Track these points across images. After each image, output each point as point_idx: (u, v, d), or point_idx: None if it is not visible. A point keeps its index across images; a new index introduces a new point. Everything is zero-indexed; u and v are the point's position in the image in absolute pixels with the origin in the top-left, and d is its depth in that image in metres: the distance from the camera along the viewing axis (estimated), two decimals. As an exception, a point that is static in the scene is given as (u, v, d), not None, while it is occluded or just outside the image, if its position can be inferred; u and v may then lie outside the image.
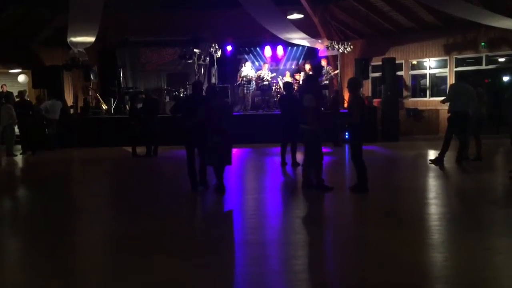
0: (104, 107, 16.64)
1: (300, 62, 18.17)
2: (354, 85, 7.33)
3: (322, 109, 8.97)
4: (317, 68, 9.77)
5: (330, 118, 12.46)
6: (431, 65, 17.30)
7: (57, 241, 5.32)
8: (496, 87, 15.98)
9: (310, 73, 15.72)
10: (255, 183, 9.12)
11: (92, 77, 16.55)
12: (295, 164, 9.97)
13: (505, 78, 16.23)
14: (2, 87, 16.40)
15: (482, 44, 15.83)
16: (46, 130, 14.46)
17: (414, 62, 17.69)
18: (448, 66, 16.71)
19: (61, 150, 14.30)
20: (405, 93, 17.57)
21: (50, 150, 14.07)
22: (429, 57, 17.17)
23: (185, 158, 7.69)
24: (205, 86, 10.05)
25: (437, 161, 9.77)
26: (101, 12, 13.21)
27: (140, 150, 12.61)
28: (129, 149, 12.90)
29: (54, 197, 8.00)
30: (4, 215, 6.90)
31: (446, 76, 16.83)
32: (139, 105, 13.41)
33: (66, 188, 9.04)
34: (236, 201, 7.36)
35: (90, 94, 17.09)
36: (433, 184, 8.39)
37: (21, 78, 17.31)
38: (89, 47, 15.56)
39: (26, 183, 9.91)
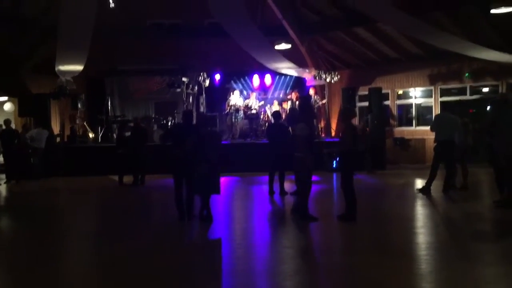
0: (91, 136, 16.54)
1: (288, 91, 18.33)
2: (347, 115, 7.42)
3: (315, 139, 8.97)
4: (305, 98, 9.88)
5: (320, 147, 12.53)
6: (416, 95, 17.55)
7: (40, 271, 5.18)
8: (480, 117, 16.22)
9: (297, 102, 15.90)
10: (242, 212, 9.05)
11: (79, 105, 16.50)
12: (283, 192, 9.93)
13: (488, 109, 16.50)
14: (-13, 115, 16.28)
15: (466, 74, 16.16)
16: (32, 159, 14.27)
17: (400, 91, 17.95)
18: (433, 96, 16.97)
19: (46, 179, 14.08)
20: (391, 122, 17.76)
21: (35, 180, 13.86)
22: (414, 86, 17.45)
23: (173, 187, 7.63)
24: (193, 115, 10.08)
25: (424, 190, 9.81)
26: (89, 40, 13.27)
27: (128, 179, 12.49)
28: (116, 178, 12.77)
29: (38, 227, 7.83)
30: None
31: (431, 106, 17.07)
32: (127, 134, 13.35)
33: (50, 219, 8.86)
34: (223, 230, 7.27)
35: (77, 122, 17.00)
36: (420, 213, 8.40)
37: (7, 106, 17.20)
38: (77, 75, 15.57)
39: (9, 213, 9.72)
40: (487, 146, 8.66)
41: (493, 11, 12.58)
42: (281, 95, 18.29)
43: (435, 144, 9.96)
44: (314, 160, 7.40)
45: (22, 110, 15.52)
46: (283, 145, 9.97)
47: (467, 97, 16.38)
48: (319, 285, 4.78)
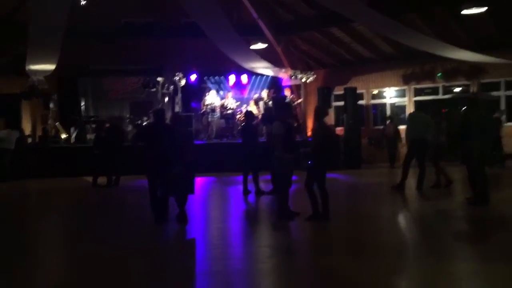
0: (63, 136, 16.22)
1: (264, 91, 18.30)
2: (319, 113, 7.42)
3: (297, 137, 8.88)
4: (280, 97, 9.89)
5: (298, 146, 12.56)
6: (390, 95, 17.77)
7: (9, 276, 5.04)
8: (452, 117, 16.50)
9: (269, 101, 15.92)
10: (218, 212, 8.99)
11: (51, 105, 16.16)
12: (258, 192, 9.92)
13: (460, 108, 16.81)
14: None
15: (439, 74, 16.45)
16: (1, 160, 13.89)
17: (375, 91, 18.15)
18: (407, 96, 17.21)
19: (16, 181, 13.72)
20: (367, 121, 17.94)
21: (5, 181, 13.48)
22: (389, 86, 17.67)
23: (147, 188, 7.52)
24: (168, 114, 9.96)
25: (398, 188, 9.93)
26: (61, 39, 13.00)
27: (101, 180, 12.28)
28: (89, 179, 12.54)
29: (7, 230, 7.63)
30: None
31: (405, 105, 17.31)
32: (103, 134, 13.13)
33: (21, 221, 8.64)
34: (199, 230, 7.21)
35: (49, 123, 16.65)
36: (394, 210, 8.48)
37: (-23, 106, 16.73)
38: (48, 74, 15.25)
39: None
40: (459, 145, 8.80)
41: (464, 11, 12.83)
42: (257, 95, 18.27)
43: (407, 142, 10.12)
44: (294, 159, 7.37)
45: (-8, 110, 15.12)
46: (256, 145, 9.99)
47: (440, 96, 16.68)
48: (296, 284, 4.76)
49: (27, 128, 16.47)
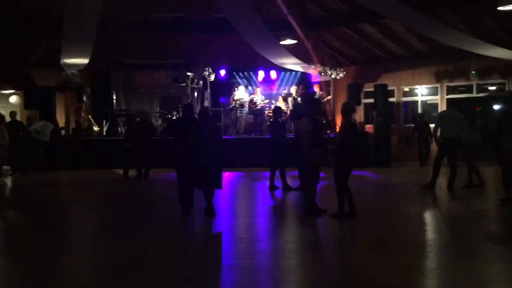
0: (95, 129, 16.56)
1: (292, 87, 18.23)
2: (346, 110, 7.36)
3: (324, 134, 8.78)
4: (309, 93, 9.84)
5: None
6: (422, 92, 17.46)
7: (44, 264, 5.19)
8: (487, 115, 16.12)
9: (298, 97, 15.86)
10: (245, 207, 9.04)
11: (84, 98, 16.52)
12: (286, 188, 9.91)
13: (495, 106, 16.40)
14: (-6, 107, 16.32)
15: (473, 72, 16.05)
16: (37, 151, 14.29)
17: (406, 89, 17.86)
18: (439, 94, 16.88)
19: (51, 172, 14.11)
20: (397, 119, 17.67)
21: (40, 172, 13.89)
22: (420, 84, 17.36)
23: (176, 181, 7.62)
24: (198, 109, 10.04)
25: (429, 187, 9.77)
26: (95, 33, 13.26)
27: (132, 172, 12.50)
28: (120, 171, 12.77)
29: (43, 219, 7.85)
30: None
31: (437, 103, 16.98)
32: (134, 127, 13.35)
33: (55, 211, 8.88)
34: (225, 224, 7.27)
35: (82, 115, 17.02)
36: (424, 210, 8.35)
37: (13, 99, 17.24)
38: (82, 68, 15.57)
39: (15, 205, 9.74)
40: (494, 144, 8.58)
41: (500, 8, 12.48)
42: (286, 91, 18.22)
43: (435, 142, 9.94)
44: (322, 155, 7.33)
45: (27, 102, 15.56)
46: (284, 141, 9.98)
47: (474, 94, 16.28)
48: (321, 280, 4.75)
49: (61, 120, 16.89)
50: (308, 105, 8.17)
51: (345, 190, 7.07)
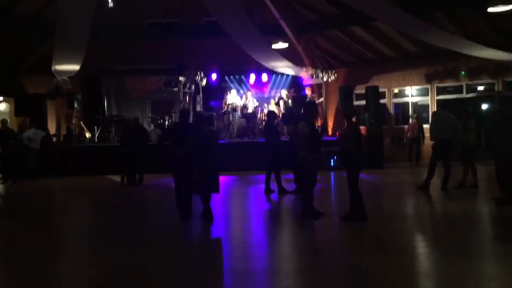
0: (87, 135, 16.46)
1: (283, 90, 18.27)
2: (350, 112, 7.44)
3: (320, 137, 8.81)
4: (302, 96, 9.87)
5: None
6: (413, 93, 17.60)
7: (39, 273, 5.15)
8: (476, 115, 16.27)
9: (289, 100, 15.90)
10: (242, 211, 9.03)
11: (75, 105, 16.43)
12: (281, 191, 9.92)
13: (484, 106, 16.59)
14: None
15: (462, 73, 16.21)
16: (29, 159, 14.16)
17: (396, 90, 17.98)
18: (429, 94, 17.02)
19: (43, 179, 13.99)
20: (388, 120, 17.78)
21: (32, 180, 13.76)
22: (411, 85, 17.49)
23: (172, 187, 7.59)
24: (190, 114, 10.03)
25: (423, 188, 9.82)
26: (87, 40, 13.21)
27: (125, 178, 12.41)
28: (113, 178, 12.69)
29: (36, 227, 7.78)
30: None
31: (427, 104, 17.12)
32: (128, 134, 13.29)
33: (50, 219, 8.80)
34: (223, 229, 7.25)
35: (74, 122, 16.92)
36: (420, 211, 8.40)
37: (2, 106, 17.10)
38: (73, 75, 15.49)
39: (7, 213, 9.65)
40: (489, 144, 8.66)
41: (490, 9, 12.63)
42: (278, 94, 18.26)
43: (433, 142, 10.00)
44: (318, 158, 7.36)
45: (18, 110, 15.44)
46: (279, 144, 9.99)
47: (464, 95, 16.44)
48: (320, 284, 4.76)
49: (51, 127, 16.76)
50: (305, 109, 8.20)
51: (357, 193, 7.10)
